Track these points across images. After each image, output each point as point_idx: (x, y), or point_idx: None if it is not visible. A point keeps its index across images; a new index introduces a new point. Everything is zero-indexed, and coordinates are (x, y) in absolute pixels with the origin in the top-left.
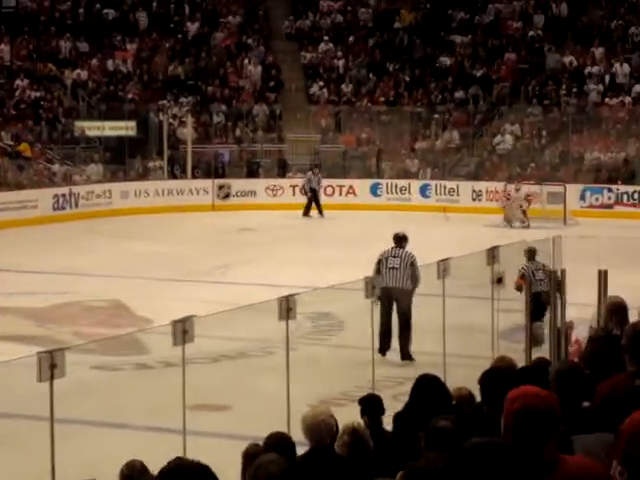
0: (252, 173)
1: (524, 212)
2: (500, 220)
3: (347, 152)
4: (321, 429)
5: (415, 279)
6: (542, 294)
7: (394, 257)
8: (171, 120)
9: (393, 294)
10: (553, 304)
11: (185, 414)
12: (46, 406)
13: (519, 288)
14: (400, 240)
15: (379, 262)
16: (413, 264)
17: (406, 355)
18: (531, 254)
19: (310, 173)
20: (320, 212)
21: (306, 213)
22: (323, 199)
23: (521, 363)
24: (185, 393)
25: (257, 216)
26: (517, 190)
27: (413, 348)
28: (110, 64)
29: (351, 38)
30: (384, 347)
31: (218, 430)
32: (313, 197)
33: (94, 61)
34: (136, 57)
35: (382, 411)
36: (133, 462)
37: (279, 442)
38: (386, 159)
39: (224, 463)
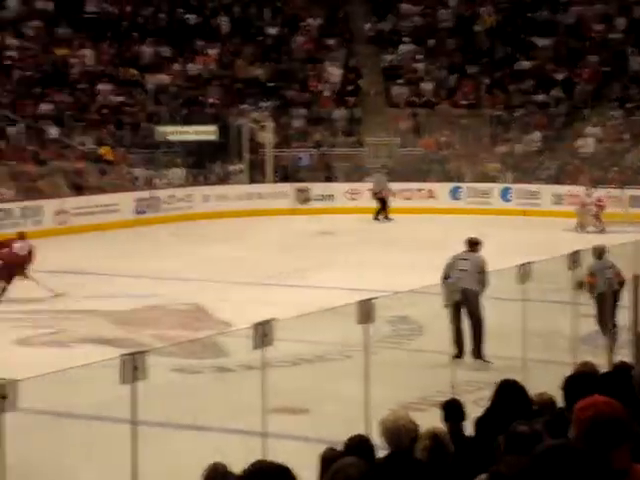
0: (329, 178)
1: (597, 217)
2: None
3: (426, 155)
4: (401, 433)
5: (483, 283)
6: (610, 293)
7: (464, 260)
8: (251, 124)
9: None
10: (633, 308)
11: (264, 417)
12: (128, 409)
13: (591, 288)
14: (472, 244)
15: (448, 265)
16: (482, 268)
17: (478, 355)
18: (599, 253)
19: (378, 175)
20: (386, 216)
21: (377, 216)
22: (402, 203)
23: (603, 369)
24: (265, 396)
25: (336, 220)
26: (589, 195)
27: (493, 352)
28: (191, 68)
29: (431, 40)
30: (458, 354)
31: (296, 433)
32: (383, 200)
33: (176, 66)
34: (217, 61)
35: (463, 416)
36: (216, 465)
37: (359, 445)
38: (466, 162)
39: (302, 466)
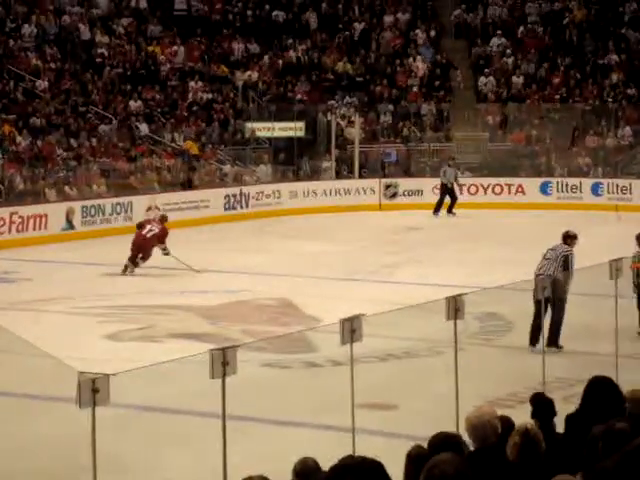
0: (410, 172)
1: None
2: None
3: (516, 150)
4: (486, 429)
5: (567, 273)
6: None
7: (552, 250)
8: (339, 120)
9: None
10: None
11: (354, 412)
12: (218, 403)
13: (637, 274)
14: (566, 238)
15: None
16: (566, 258)
17: (551, 341)
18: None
19: (445, 167)
20: (450, 210)
21: (437, 210)
22: (491, 198)
23: None
24: (353, 392)
25: (424, 215)
26: None
27: (584, 348)
28: (280, 65)
29: (521, 33)
30: (533, 341)
31: (385, 429)
32: (447, 193)
33: (264, 62)
34: (305, 57)
35: (554, 413)
36: (306, 459)
37: (444, 442)
38: (556, 157)
39: (390, 462)
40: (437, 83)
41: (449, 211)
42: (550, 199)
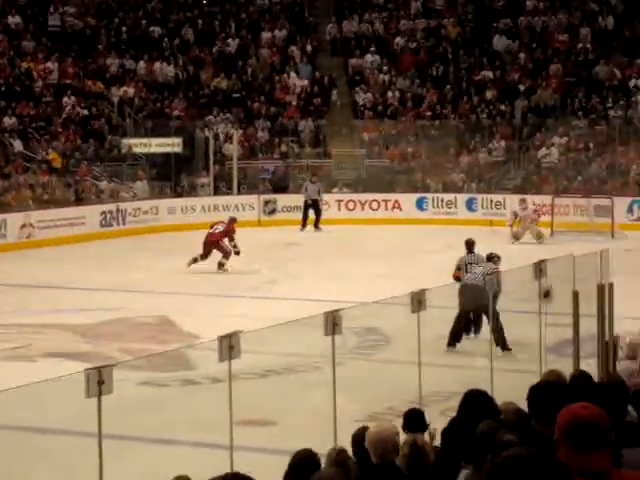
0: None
1: (533, 228)
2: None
3: (392, 166)
4: (386, 445)
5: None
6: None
7: (476, 264)
8: (216, 136)
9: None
10: (599, 318)
11: (232, 429)
12: (94, 423)
13: (457, 279)
14: (491, 258)
15: (459, 268)
16: (495, 275)
17: (504, 347)
18: (469, 246)
19: (307, 182)
20: (316, 225)
21: (304, 225)
22: (368, 214)
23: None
24: (232, 409)
25: (303, 231)
26: (523, 209)
27: (461, 362)
28: (156, 81)
29: (395, 49)
30: (451, 342)
31: (265, 445)
32: (309, 208)
33: (140, 78)
34: (182, 73)
35: (424, 426)
36: (180, 478)
37: (304, 460)
38: (431, 173)
39: (268, 478)
40: (315, 99)
41: (316, 226)
42: (426, 214)
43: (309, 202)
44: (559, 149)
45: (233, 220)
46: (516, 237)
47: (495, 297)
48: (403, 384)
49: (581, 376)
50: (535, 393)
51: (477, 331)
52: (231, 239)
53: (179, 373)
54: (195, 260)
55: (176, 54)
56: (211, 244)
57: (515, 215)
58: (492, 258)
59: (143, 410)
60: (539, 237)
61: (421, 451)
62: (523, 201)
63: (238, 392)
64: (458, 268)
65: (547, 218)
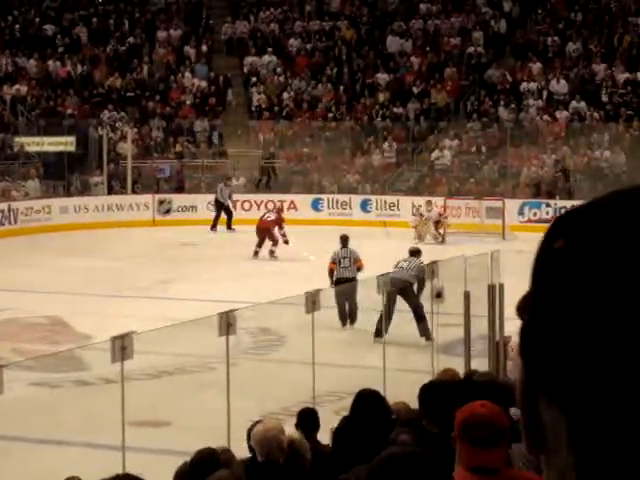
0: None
1: (437, 228)
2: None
3: (288, 167)
4: (271, 444)
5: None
6: (344, 280)
7: (405, 261)
8: (111, 135)
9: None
10: (489, 319)
11: (124, 430)
12: None
13: (330, 272)
14: (416, 252)
15: (334, 261)
16: (421, 268)
17: (427, 337)
18: (344, 241)
19: (222, 185)
20: (229, 226)
21: (214, 226)
22: (259, 214)
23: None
24: (124, 409)
25: (198, 231)
26: (429, 210)
27: (354, 362)
28: (49, 79)
29: (290, 51)
30: (378, 333)
31: (158, 446)
32: (223, 210)
33: (33, 76)
34: (76, 72)
35: (317, 425)
36: (72, 479)
37: (206, 458)
38: (327, 174)
39: (159, 478)
40: (210, 99)
41: (228, 227)
42: (321, 215)
43: (225, 204)
44: (452, 151)
45: (280, 210)
46: (420, 237)
47: (421, 289)
48: (297, 384)
49: (469, 376)
50: (426, 393)
51: (352, 322)
52: (280, 227)
53: (72, 374)
54: (256, 253)
55: (70, 52)
56: (263, 231)
57: (421, 216)
58: (416, 252)
59: (35, 411)
60: (436, 238)
61: (298, 450)
62: (429, 203)
63: (131, 393)
64: (333, 261)
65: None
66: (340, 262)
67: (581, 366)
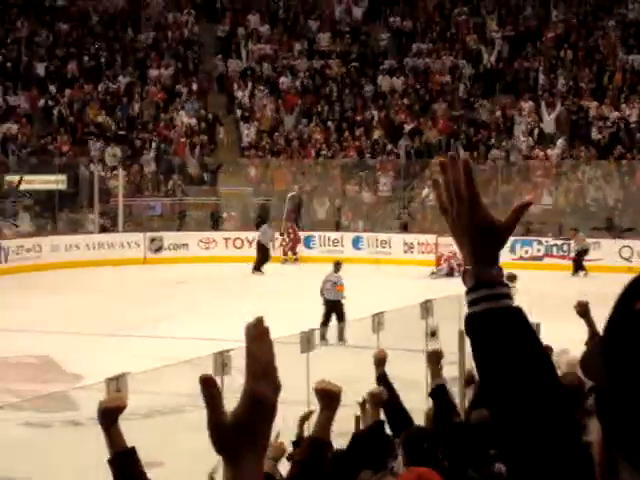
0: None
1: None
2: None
3: (280, 204)
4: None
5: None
6: (329, 302)
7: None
8: (102, 172)
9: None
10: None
11: None
12: None
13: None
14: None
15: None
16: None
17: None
18: (335, 266)
19: (265, 226)
20: (258, 267)
21: (259, 268)
22: (251, 251)
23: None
24: None
25: (190, 269)
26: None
27: (350, 400)
28: (40, 117)
29: (282, 86)
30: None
31: None
32: (267, 252)
33: (23, 113)
34: (67, 109)
35: None
36: None
37: None
38: (320, 211)
39: None
40: (201, 137)
41: (257, 268)
42: (313, 252)
43: (267, 246)
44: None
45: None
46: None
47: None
48: (290, 424)
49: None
50: (409, 439)
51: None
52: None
53: (63, 414)
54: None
55: (61, 90)
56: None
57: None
58: (511, 277)
59: (25, 452)
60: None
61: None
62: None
63: (124, 433)
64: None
65: (432, 257)
66: (325, 284)
67: None
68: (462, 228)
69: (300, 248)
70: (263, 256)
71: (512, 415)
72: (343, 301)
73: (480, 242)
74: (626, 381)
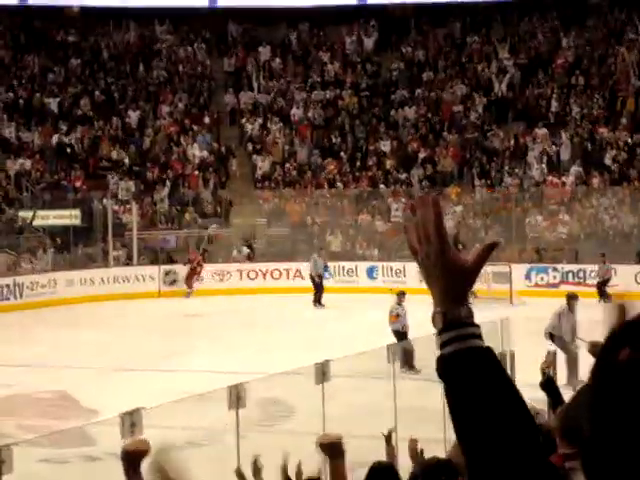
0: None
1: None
2: None
3: (294, 235)
4: None
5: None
6: (393, 332)
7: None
8: (115, 207)
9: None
10: None
11: None
12: None
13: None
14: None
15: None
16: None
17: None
18: (399, 297)
19: (315, 256)
20: (318, 300)
21: (318, 300)
22: (270, 283)
23: None
24: None
25: (204, 302)
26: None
27: (366, 432)
28: (53, 152)
29: (293, 119)
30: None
31: None
32: (319, 284)
33: (37, 149)
34: (80, 144)
35: None
36: None
37: None
38: (333, 243)
39: None
40: (215, 169)
41: (317, 301)
42: (328, 283)
43: (316, 280)
44: (455, 217)
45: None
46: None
47: None
48: (307, 456)
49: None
50: (427, 474)
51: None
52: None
53: (79, 449)
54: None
55: (73, 126)
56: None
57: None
58: (572, 297)
59: None
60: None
61: None
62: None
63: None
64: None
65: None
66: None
67: None
68: (431, 268)
69: None
70: (316, 287)
71: (485, 456)
72: (402, 330)
73: (449, 282)
74: (611, 433)
